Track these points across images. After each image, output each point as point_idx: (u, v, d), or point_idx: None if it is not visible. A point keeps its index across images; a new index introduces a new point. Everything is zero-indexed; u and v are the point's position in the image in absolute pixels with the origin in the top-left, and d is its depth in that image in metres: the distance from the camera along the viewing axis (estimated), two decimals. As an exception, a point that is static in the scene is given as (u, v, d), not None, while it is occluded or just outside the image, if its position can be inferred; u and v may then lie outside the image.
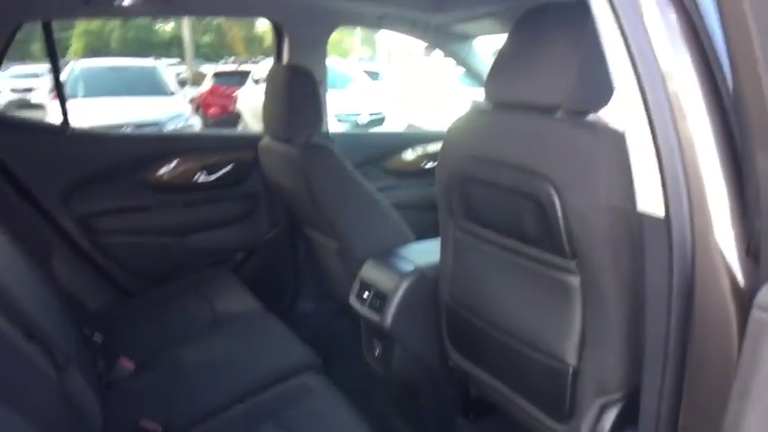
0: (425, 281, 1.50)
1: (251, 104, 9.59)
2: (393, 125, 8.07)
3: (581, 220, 0.98)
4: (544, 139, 1.05)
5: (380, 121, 8.00)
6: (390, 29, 2.29)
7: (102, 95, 6.81)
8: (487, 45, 2.38)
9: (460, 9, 1.99)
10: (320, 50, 2.15)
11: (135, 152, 2.02)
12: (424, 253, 1.61)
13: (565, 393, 1.09)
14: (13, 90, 12.77)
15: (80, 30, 21.80)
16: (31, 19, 1.81)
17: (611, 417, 1.05)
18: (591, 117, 1.05)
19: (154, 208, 2.02)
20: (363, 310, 1.58)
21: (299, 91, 1.71)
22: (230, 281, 1.91)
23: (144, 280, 2.02)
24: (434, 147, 2.47)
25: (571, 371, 1.08)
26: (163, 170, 2.01)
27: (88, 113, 5.62)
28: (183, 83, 13.37)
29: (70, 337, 1.21)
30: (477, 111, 1.27)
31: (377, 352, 1.65)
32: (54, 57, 1.98)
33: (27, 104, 11.57)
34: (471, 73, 2.33)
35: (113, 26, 22.74)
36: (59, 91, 2.13)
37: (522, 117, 1.10)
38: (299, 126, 1.71)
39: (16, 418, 0.82)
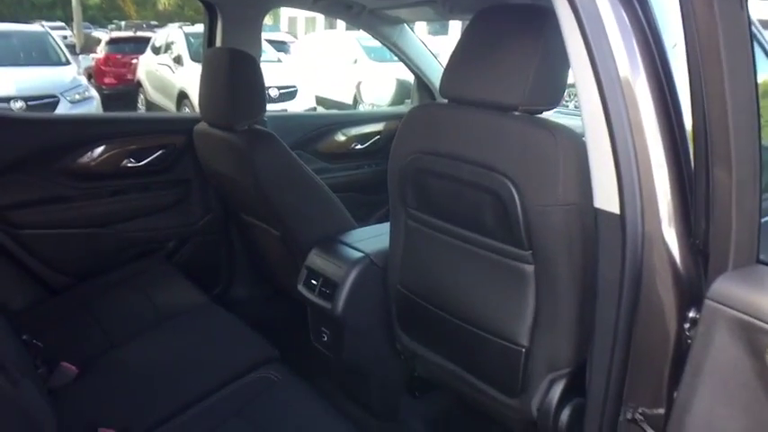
0: (374, 267, 1.54)
1: (151, 74, 9.12)
2: (303, 98, 7.95)
3: (539, 215, 1.05)
4: (503, 137, 1.11)
5: (292, 95, 7.84)
6: (325, 12, 2.26)
7: (-18, 66, 6.18)
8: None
9: None
10: (255, 32, 2.09)
11: (55, 137, 1.87)
12: (370, 239, 1.65)
13: (518, 372, 1.18)
14: None
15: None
16: None
17: (558, 389, 1.15)
18: (543, 115, 1.13)
19: (78, 197, 1.89)
20: (313, 298, 1.60)
21: (241, 76, 1.66)
22: (167, 271, 1.85)
23: (70, 275, 1.90)
24: (365, 128, 2.49)
25: (524, 351, 1.16)
26: (87, 156, 1.89)
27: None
28: (70, 48, 12.42)
29: (13, 346, 1.15)
30: (431, 104, 1.31)
31: (325, 337, 1.67)
32: None
33: None
34: (403, 58, 2.35)
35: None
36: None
37: (481, 114, 1.15)
38: (242, 113, 1.67)
39: None
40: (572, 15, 0.85)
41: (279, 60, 8.77)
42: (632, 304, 0.89)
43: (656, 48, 0.85)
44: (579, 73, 0.88)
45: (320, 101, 8.68)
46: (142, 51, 9.64)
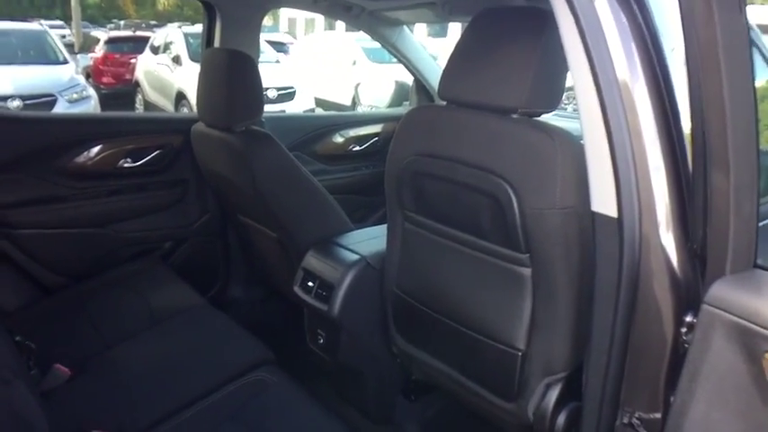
0: (370, 270, 1.53)
1: (150, 74, 9.12)
2: (302, 99, 7.95)
3: (536, 218, 1.05)
4: (501, 140, 1.10)
5: (291, 96, 7.83)
6: (324, 13, 2.25)
7: (-21, 64, 6.16)
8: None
9: None
10: (254, 33, 2.09)
11: (51, 136, 1.86)
12: (366, 241, 1.64)
13: (514, 376, 1.17)
14: None
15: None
16: None
17: (554, 393, 1.14)
18: (541, 118, 1.13)
19: (74, 197, 1.88)
20: (309, 300, 1.60)
21: (239, 77, 1.65)
22: (163, 272, 1.84)
23: (65, 275, 1.88)
24: (363, 130, 2.48)
25: (520, 355, 1.16)
26: (83, 156, 1.88)
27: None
28: (68, 48, 12.42)
29: (6, 348, 1.14)
30: (430, 106, 1.30)
31: (321, 339, 1.67)
32: None
33: None
34: (402, 60, 2.35)
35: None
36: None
37: (479, 116, 1.14)
38: (240, 113, 1.67)
39: None
40: (571, 18, 0.85)
41: (277, 61, 8.77)
42: (629, 308, 0.89)
43: (654, 51, 0.85)
44: (578, 76, 0.88)
45: (319, 102, 8.69)
46: (141, 51, 9.65)
